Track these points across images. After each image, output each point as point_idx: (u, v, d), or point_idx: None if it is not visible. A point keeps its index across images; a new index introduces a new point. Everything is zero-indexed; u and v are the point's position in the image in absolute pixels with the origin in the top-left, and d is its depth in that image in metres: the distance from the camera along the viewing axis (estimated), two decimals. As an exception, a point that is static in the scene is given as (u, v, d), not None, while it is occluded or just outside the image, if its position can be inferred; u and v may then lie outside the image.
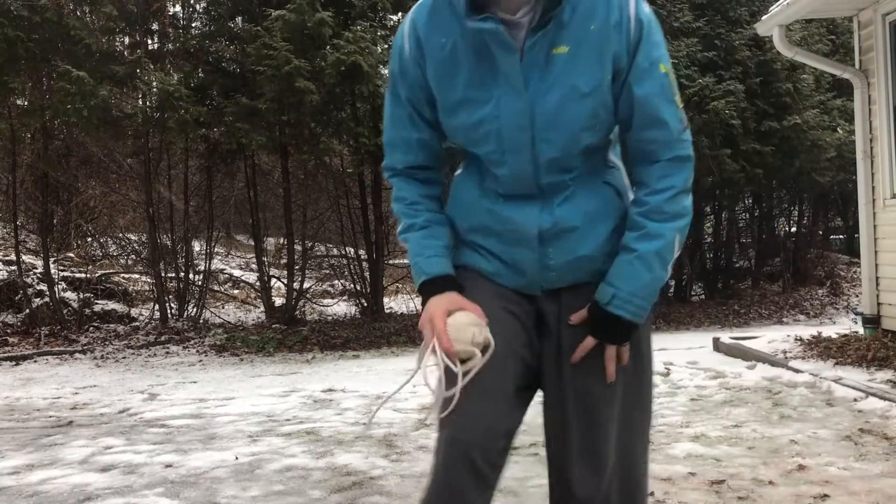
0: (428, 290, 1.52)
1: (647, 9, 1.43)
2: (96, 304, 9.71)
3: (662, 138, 1.49)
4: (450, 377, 1.44)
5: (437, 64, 1.47)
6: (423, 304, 1.52)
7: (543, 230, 1.51)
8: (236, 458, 3.80)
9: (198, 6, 9.96)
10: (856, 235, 11.71)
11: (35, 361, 7.67)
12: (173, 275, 10.05)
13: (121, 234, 12.60)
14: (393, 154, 1.61)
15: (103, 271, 10.74)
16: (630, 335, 1.52)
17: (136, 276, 11.09)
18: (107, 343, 8.54)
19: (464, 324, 1.46)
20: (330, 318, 10.73)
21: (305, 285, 10.29)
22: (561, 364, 1.54)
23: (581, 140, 1.46)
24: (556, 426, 1.59)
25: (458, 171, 1.65)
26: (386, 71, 9.50)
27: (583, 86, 1.41)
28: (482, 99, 1.45)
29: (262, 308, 10.42)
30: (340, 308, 11.35)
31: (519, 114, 1.43)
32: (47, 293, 9.12)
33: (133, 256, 12.24)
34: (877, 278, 6.41)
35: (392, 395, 1.56)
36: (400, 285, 12.24)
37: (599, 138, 1.50)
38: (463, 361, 1.44)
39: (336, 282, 12.12)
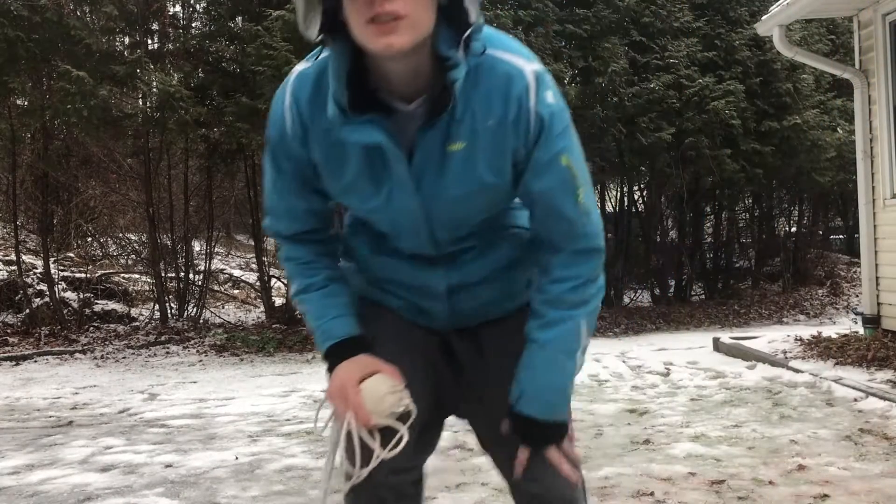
0: (335, 354, 1.38)
1: (550, 99, 1.28)
2: (96, 304, 9.71)
3: (565, 231, 1.38)
4: (365, 452, 1.34)
5: (322, 149, 1.32)
6: (330, 370, 1.39)
7: (452, 285, 1.45)
8: (236, 458, 3.80)
9: (198, 6, 9.96)
10: (856, 235, 11.70)
11: (35, 361, 7.67)
12: (173, 275, 10.05)
13: (121, 234, 12.60)
14: (278, 221, 1.45)
15: (103, 271, 10.73)
16: (555, 435, 1.41)
17: (136, 276, 11.08)
18: (107, 343, 8.54)
19: (381, 393, 1.33)
20: (330, 318, 10.69)
21: (305, 285, 10.27)
22: (479, 394, 1.50)
23: (480, 218, 1.40)
24: (486, 441, 1.55)
25: (347, 222, 1.54)
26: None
27: (480, 182, 1.31)
28: (373, 191, 1.34)
29: (262, 308, 10.41)
30: (340, 308, 11.31)
31: (412, 211, 1.35)
32: (47, 293, 9.12)
33: (133, 256, 12.23)
34: (877, 278, 6.41)
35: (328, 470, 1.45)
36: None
37: (500, 210, 1.44)
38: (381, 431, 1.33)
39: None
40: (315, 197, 1.41)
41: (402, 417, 1.35)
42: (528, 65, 1.28)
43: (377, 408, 1.32)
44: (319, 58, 1.31)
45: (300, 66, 1.35)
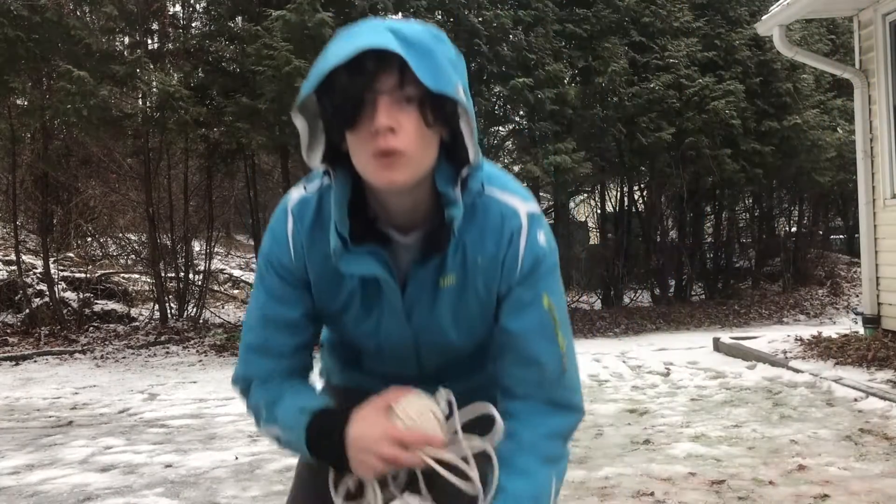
0: (329, 421, 1.24)
1: (541, 240, 1.28)
2: (96, 304, 9.71)
3: (536, 378, 1.29)
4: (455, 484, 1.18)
5: (318, 273, 1.31)
6: (326, 450, 1.23)
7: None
8: (236, 458, 3.80)
9: (198, 6, 9.96)
10: (856, 235, 11.70)
11: (35, 361, 7.67)
12: (173, 275, 10.04)
13: (121, 234, 12.59)
14: (255, 356, 1.35)
15: (103, 271, 10.73)
16: None
17: (136, 276, 11.08)
18: (107, 343, 8.53)
19: (425, 408, 1.19)
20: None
21: (305, 285, 10.27)
22: None
23: (469, 348, 1.39)
24: None
25: (324, 337, 1.52)
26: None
27: (469, 317, 1.32)
28: (364, 316, 1.33)
29: (262, 308, 10.40)
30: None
31: (402, 339, 1.35)
32: (47, 293, 9.12)
33: (133, 256, 12.23)
34: (877, 278, 6.40)
35: None
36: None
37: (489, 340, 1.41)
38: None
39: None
40: (304, 308, 1.35)
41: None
42: (524, 205, 1.30)
43: (436, 426, 1.16)
44: (319, 185, 1.32)
45: (298, 192, 1.35)
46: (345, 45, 1.12)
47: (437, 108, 1.16)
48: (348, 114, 1.15)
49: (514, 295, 1.28)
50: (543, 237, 1.29)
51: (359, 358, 1.45)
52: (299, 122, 1.20)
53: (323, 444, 1.23)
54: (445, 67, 1.13)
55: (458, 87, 1.14)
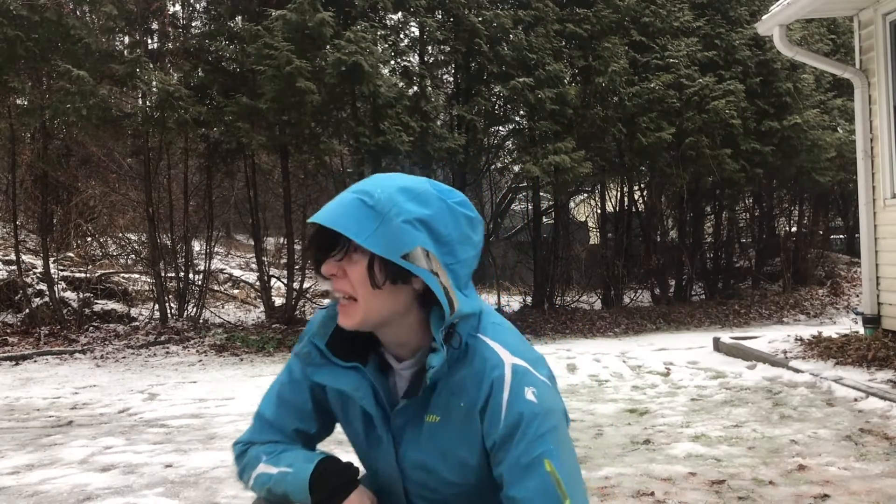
0: (332, 478, 1.31)
1: (529, 396, 1.24)
2: (96, 303, 9.70)
3: None
4: None
5: (332, 399, 1.43)
6: (327, 483, 1.31)
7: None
8: (236, 458, 3.79)
9: (197, 5, 9.95)
10: (856, 235, 11.70)
11: (35, 361, 7.66)
12: (173, 275, 10.04)
13: (120, 234, 12.59)
14: (264, 430, 1.45)
15: (103, 271, 10.72)
16: None
17: (136, 275, 11.07)
18: (107, 343, 8.53)
19: None
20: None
21: (305, 285, 10.27)
22: None
23: (454, 491, 1.37)
24: None
25: None
26: (386, 71, 9.49)
27: (453, 457, 1.31)
28: (364, 441, 1.41)
29: (262, 308, 10.41)
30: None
31: (391, 471, 1.39)
32: (47, 293, 9.11)
33: (133, 256, 12.23)
34: (877, 278, 6.40)
35: None
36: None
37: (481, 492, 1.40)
38: None
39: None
40: (315, 405, 1.45)
41: None
42: (511, 358, 1.28)
43: None
44: None
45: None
46: (325, 206, 1.27)
47: (390, 268, 1.24)
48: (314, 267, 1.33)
49: (511, 460, 1.24)
50: (532, 394, 1.25)
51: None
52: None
53: (328, 480, 1.31)
54: (400, 233, 1.22)
55: (413, 251, 1.22)
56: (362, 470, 1.44)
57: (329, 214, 1.23)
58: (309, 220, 1.25)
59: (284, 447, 1.42)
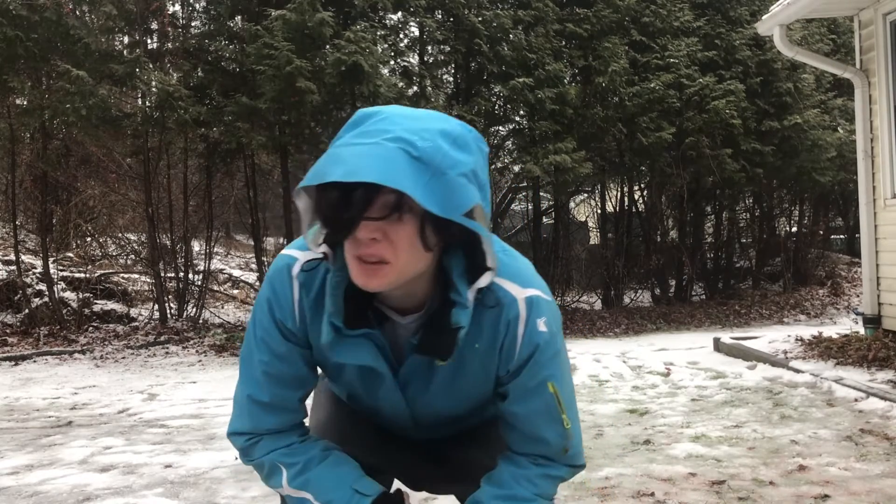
0: None
1: (541, 326, 1.28)
2: (96, 304, 9.69)
3: (540, 452, 1.35)
4: None
5: (318, 346, 1.32)
6: None
7: (423, 438, 1.52)
8: (236, 459, 3.79)
9: (197, 5, 9.95)
10: (856, 235, 11.69)
11: (34, 361, 7.66)
12: (173, 275, 10.03)
13: (120, 234, 12.58)
14: (252, 412, 1.35)
15: (103, 271, 10.71)
16: None
17: (136, 276, 11.06)
18: (106, 343, 8.52)
19: None
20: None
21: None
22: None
23: (463, 416, 1.44)
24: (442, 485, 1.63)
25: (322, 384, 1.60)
26: (386, 71, 9.49)
27: (463, 396, 1.36)
28: (361, 385, 1.37)
29: (262, 308, 10.39)
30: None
31: (397, 408, 1.39)
32: (46, 293, 9.11)
33: (132, 256, 12.22)
34: (878, 278, 6.40)
35: None
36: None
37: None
38: None
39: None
40: (307, 362, 1.37)
41: None
42: (521, 291, 1.28)
43: None
44: (321, 259, 1.28)
45: (300, 255, 1.31)
46: (350, 157, 1.06)
47: (440, 226, 1.12)
48: (334, 229, 1.16)
49: (519, 383, 1.30)
50: (544, 323, 1.29)
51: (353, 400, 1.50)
52: (301, 203, 1.17)
53: None
54: (458, 189, 1.09)
55: (471, 207, 1.10)
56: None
57: (379, 170, 1.03)
58: (358, 180, 1.02)
59: (303, 454, 1.35)
